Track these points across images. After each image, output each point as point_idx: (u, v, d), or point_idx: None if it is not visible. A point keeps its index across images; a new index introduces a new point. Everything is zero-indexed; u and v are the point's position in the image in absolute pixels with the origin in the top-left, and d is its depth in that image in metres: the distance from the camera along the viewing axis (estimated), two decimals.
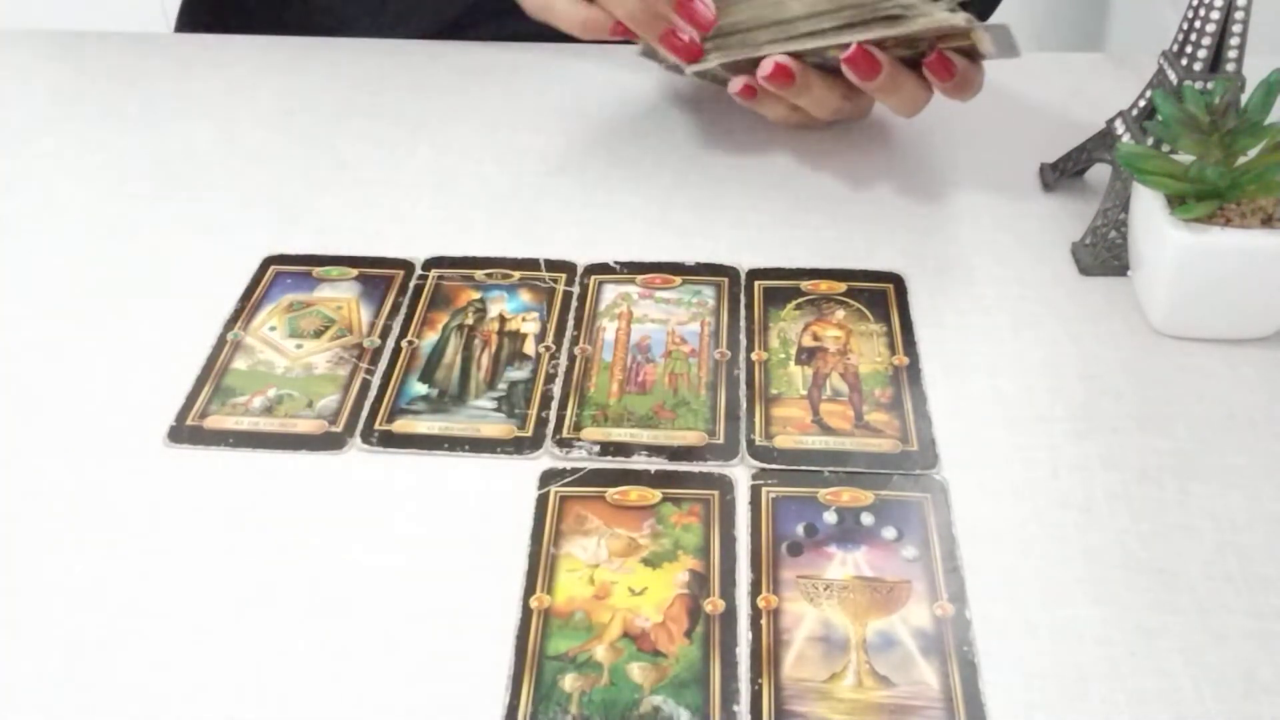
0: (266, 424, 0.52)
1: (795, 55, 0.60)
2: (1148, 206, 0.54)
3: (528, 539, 0.46)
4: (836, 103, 0.63)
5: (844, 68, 0.59)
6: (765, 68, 0.60)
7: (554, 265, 0.60)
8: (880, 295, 0.58)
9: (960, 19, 0.55)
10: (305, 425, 0.52)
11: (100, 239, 0.63)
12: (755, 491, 0.48)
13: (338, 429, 0.51)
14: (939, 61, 0.60)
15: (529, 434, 0.51)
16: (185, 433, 0.51)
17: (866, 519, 0.47)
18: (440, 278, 0.60)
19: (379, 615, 0.44)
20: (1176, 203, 0.53)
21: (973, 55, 0.60)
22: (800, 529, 0.46)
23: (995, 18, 0.84)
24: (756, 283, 0.59)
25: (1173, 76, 0.56)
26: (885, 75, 0.60)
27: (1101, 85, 0.74)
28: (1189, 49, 0.55)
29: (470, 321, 0.57)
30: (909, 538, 0.46)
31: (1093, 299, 0.58)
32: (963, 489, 0.48)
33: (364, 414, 0.52)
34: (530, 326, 0.57)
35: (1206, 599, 0.44)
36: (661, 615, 0.43)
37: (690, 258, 0.61)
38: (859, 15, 0.57)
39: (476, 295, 0.59)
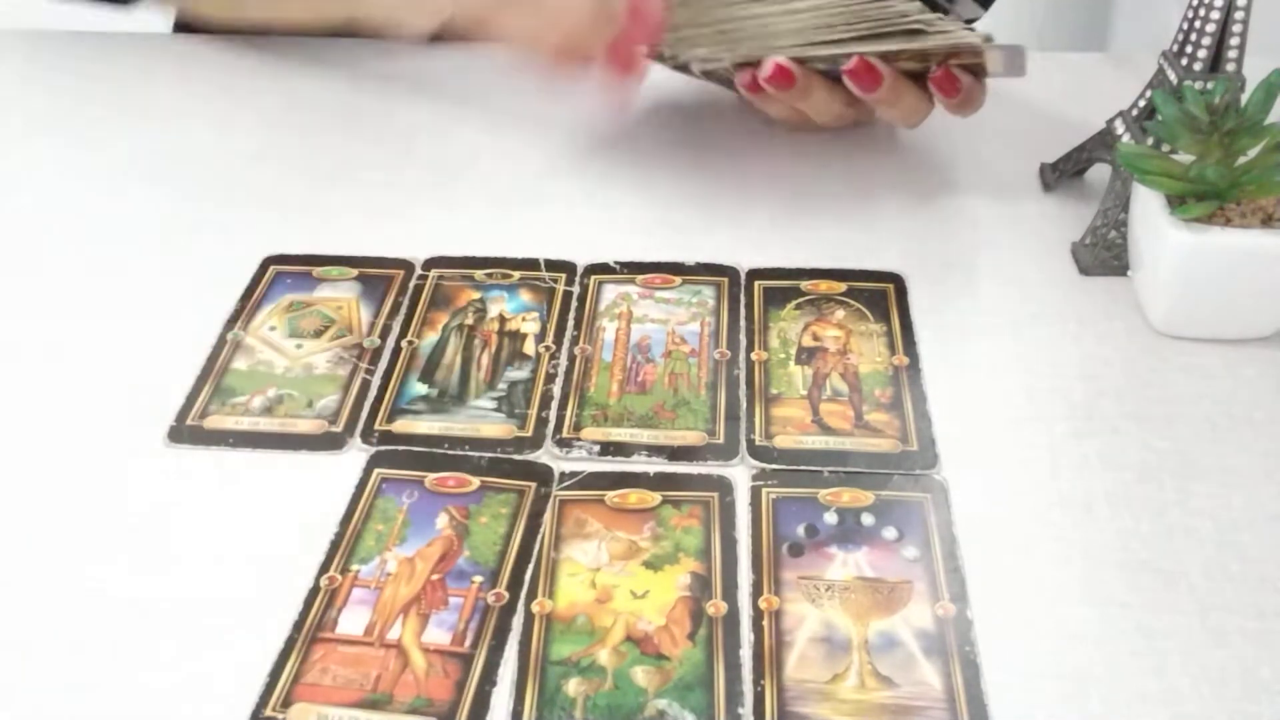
0: (266, 424, 0.52)
1: (800, 60, 0.60)
2: (1148, 206, 0.54)
3: (533, 542, 0.46)
4: (839, 109, 0.63)
5: (845, 79, 0.59)
6: (766, 69, 0.60)
7: (554, 265, 0.60)
8: (880, 295, 0.58)
9: (977, 38, 0.55)
10: (305, 425, 0.52)
11: (100, 239, 0.63)
12: (755, 492, 0.48)
13: (338, 429, 0.51)
14: (945, 77, 0.59)
15: (529, 434, 0.51)
16: (185, 433, 0.51)
17: (867, 519, 0.47)
18: (440, 278, 0.60)
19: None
20: (1176, 203, 0.53)
21: (977, 72, 0.60)
22: (801, 530, 0.46)
23: (993, 19, 0.84)
24: (756, 283, 0.59)
25: (1173, 76, 0.56)
26: (887, 87, 0.59)
27: (1101, 85, 0.74)
28: (1189, 49, 0.55)
29: (470, 321, 0.57)
30: (910, 538, 0.46)
31: (1093, 299, 0.58)
32: (963, 489, 0.48)
33: (364, 414, 0.52)
34: (530, 326, 0.57)
35: (1206, 599, 0.44)
36: (664, 618, 0.43)
37: (690, 258, 0.61)
38: (875, 28, 0.57)
39: (476, 295, 0.59)
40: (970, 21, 0.65)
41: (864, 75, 0.59)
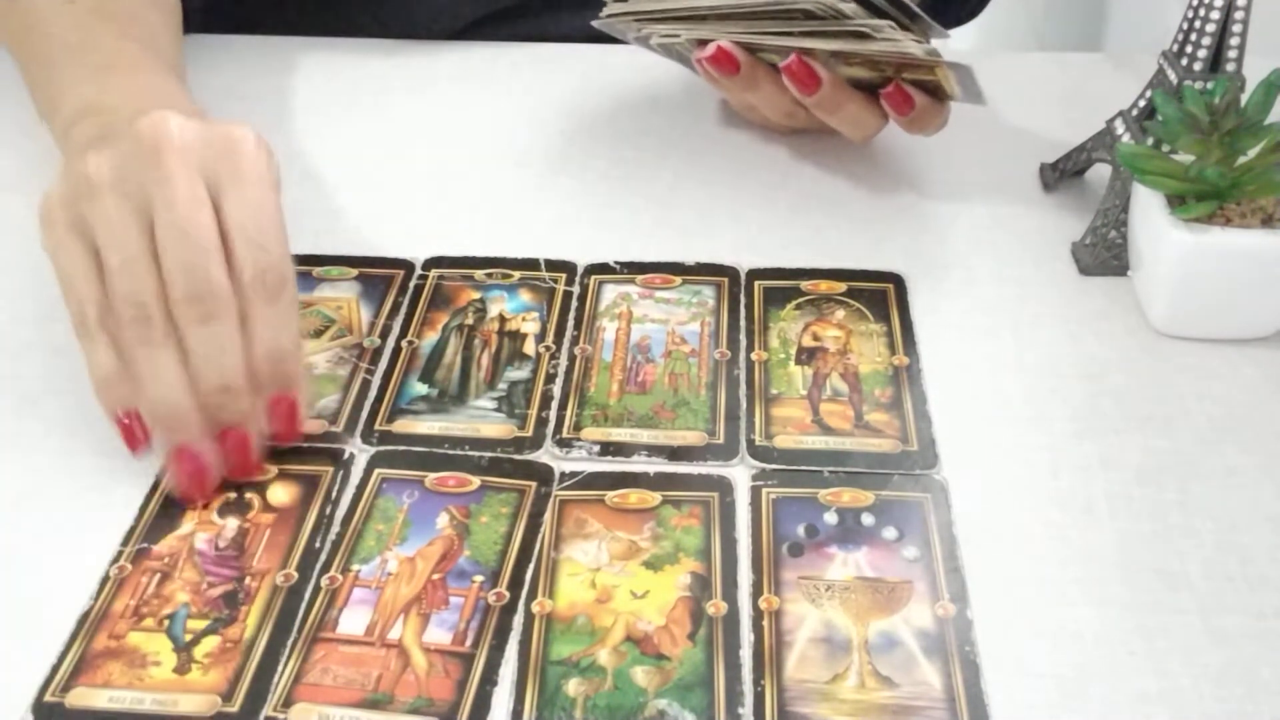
0: None
1: (750, 49, 0.60)
2: (1148, 206, 0.54)
3: (533, 542, 0.46)
4: (788, 106, 0.63)
5: (783, 77, 0.59)
6: (708, 50, 0.60)
7: (554, 265, 0.60)
8: (880, 295, 0.58)
9: (919, 50, 0.55)
10: (305, 425, 0.52)
11: None
12: (755, 493, 0.48)
13: (338, 429, 0.51)
14: (897, 93, 0.59)
15: (529, 434, 0.51)
16: None
17: (867, 519, 0.47)
18: (440, 278, 0.60)
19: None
20: (1176, 203, 0.53)
21: (939, 94, 0.60)
22: (801, 530, 0.46)
23: (995, 20, 0.84)
24: (756, 283, 0.59)
25: (1173, 76, 0.56)
26: (825, 92, 0.59)
27: (1101, 85, 0.74)
28: (1189, 49, 0.55)
29: (470, 321, 0.57)
30: (910, 538, 0.46)
31: (1093, 299, 0.58)
32: (963, 489, 0.48)
33: (364, 414, 0.52)
34: (530, 326, 0.57)
35: (1206, 599, 0.44)
36: (664, 618, 0.43)
37: (690, 258, 0.61)
38: (824, 26, 0.57)
39: (476, 295, 0.59)
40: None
41: (800, 75, 0.59)
